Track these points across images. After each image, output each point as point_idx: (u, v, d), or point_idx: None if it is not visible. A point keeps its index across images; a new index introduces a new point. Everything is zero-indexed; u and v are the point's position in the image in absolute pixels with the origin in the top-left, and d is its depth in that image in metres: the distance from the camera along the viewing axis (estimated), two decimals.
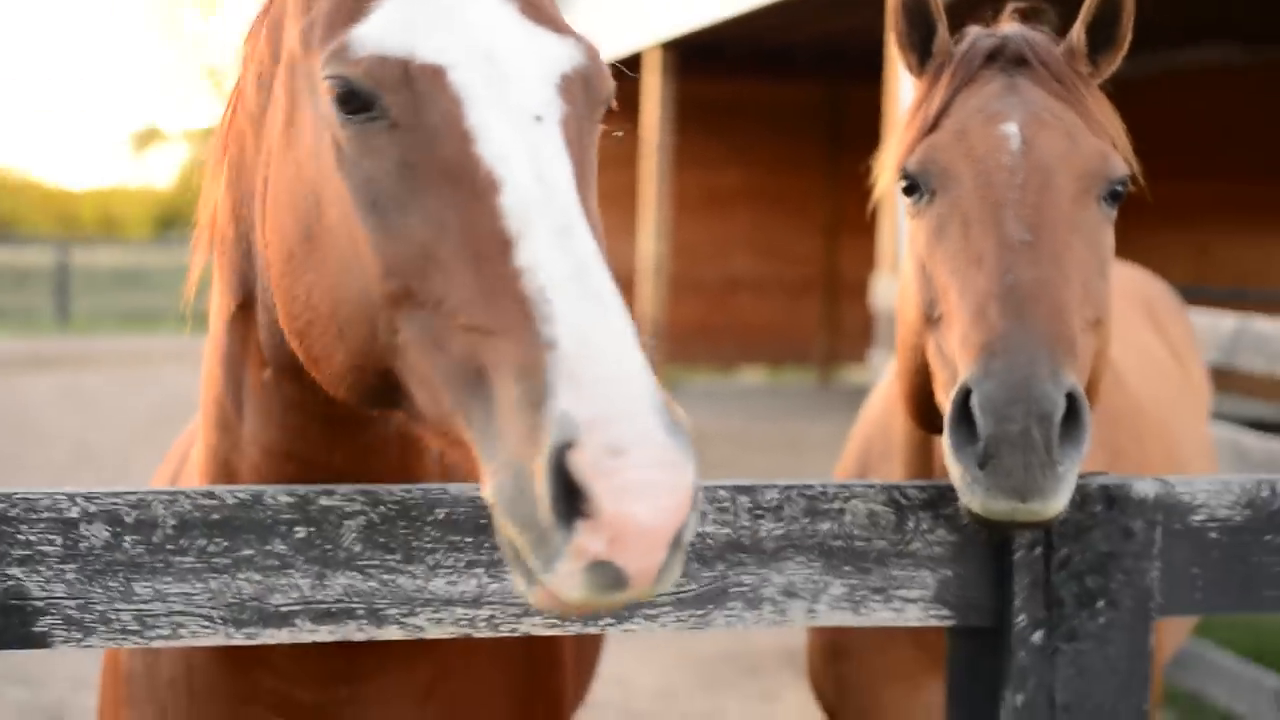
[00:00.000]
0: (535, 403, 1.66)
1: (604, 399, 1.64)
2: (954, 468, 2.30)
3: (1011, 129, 2.70)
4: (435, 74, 1.88)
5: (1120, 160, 2.71)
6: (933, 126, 2.77)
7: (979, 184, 2.64)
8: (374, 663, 2.47)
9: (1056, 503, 2.25)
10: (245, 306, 2.24)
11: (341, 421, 2.20)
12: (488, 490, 1.71)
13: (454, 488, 2.15)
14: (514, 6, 1.98)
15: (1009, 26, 2.92)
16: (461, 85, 1.87)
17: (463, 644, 2.54)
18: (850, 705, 3.55)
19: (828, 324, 21.62)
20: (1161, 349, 4.77)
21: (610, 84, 2.03)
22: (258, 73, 2.17)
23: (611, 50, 17.13)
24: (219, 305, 2.31)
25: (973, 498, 2.27)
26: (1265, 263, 16.94)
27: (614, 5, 16.97)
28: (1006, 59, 2.83)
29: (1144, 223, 6.62)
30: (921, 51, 2.90)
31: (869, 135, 10.39)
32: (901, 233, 9.79)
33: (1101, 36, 2.83)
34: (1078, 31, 2.84)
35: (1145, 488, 2.37)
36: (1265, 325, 6.17)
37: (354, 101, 1.89)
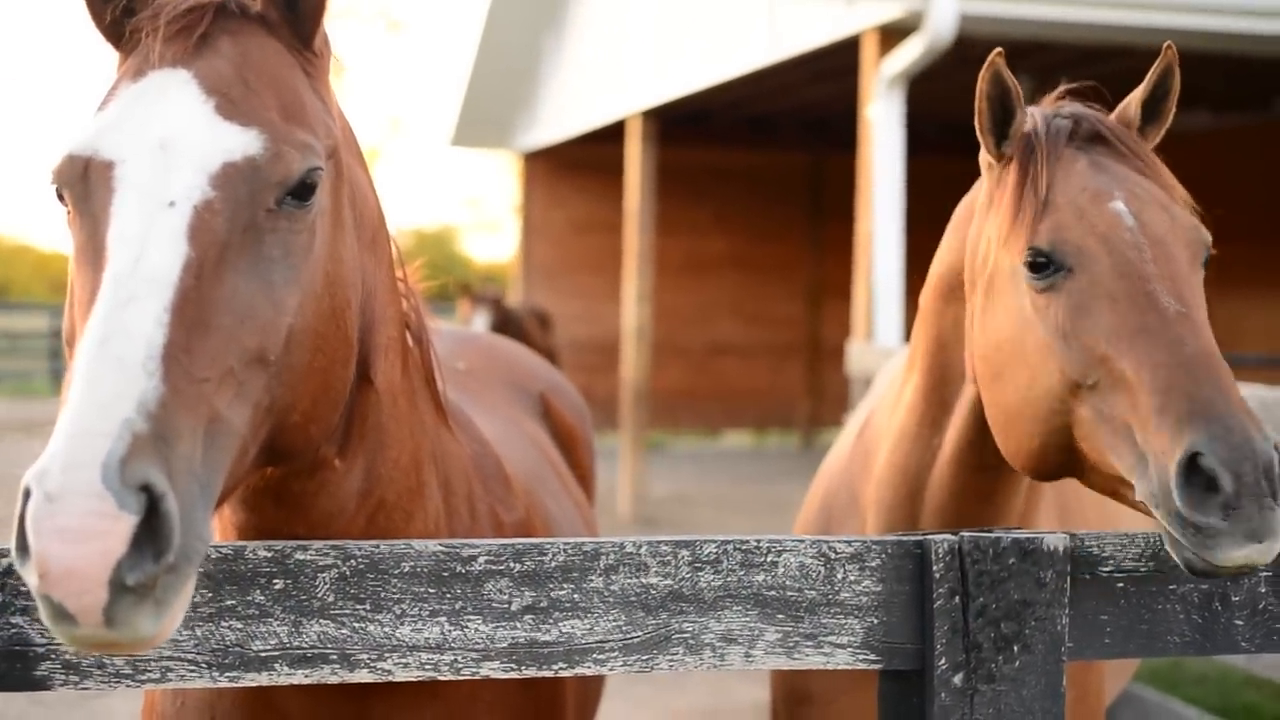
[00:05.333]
0: None
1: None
2: (1187, 522, 2.48)
3: (1120, 206, 2.84)
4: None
5: (1206, 229, 2.90)
6: (1043, 205, 2.89)
7: (1116, 260, 2.78)
8: (383, 711, 2.66)
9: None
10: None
11: None
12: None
13: (417, 543, 2.33)
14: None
15: (1069, 106, 3.05)
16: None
17: (467, 689, 2.73)
18: None
19: (811, 388, 21.73)
20: None
21: None
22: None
23: (593, 119, 17.33)
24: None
25: (1215, 548, 2.46)
26: (1238, 325, 17.17)
27: (596, 74, 17.18)
28: (1082, 137, 2.96)
29: None
30: (998, 135, 3.03)
31: (850, 203, 10.61)
32: (877, 302, 9.95)
33: (1148, 112, 3.01)
34: (1135, 107, 3.00)
35: (1055, 541, 2.54)
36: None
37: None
